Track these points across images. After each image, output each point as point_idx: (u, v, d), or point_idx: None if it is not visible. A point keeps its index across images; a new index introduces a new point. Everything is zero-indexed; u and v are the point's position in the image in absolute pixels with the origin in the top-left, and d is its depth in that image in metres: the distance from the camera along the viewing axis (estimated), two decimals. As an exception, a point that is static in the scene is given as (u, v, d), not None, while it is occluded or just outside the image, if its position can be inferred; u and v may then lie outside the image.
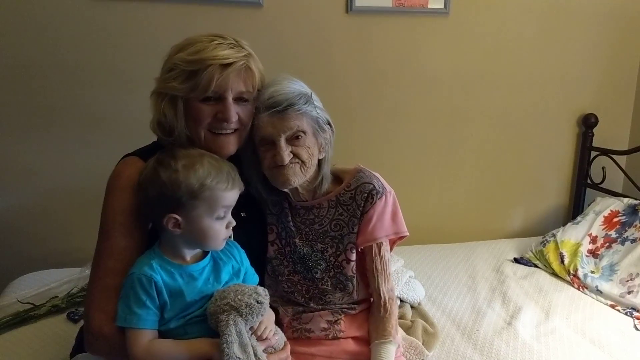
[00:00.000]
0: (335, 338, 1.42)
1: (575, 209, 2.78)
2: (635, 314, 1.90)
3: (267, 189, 1.42)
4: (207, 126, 1.29)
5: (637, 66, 2.76)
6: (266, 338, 1.18)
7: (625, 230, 2.26)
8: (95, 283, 1.22)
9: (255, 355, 1.09)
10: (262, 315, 1.14)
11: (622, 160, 2.68)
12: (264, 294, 1.15)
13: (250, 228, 1.43)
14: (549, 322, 1.86)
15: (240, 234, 1.36)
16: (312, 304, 1.44)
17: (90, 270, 1.27)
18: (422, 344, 1.63)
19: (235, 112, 1.28)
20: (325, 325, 1.42)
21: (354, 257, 1.41)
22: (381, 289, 1.42)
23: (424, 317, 1.82)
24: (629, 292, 1.98)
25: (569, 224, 2.48)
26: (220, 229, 1.19)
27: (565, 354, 1.67)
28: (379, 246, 1.41)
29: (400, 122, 2.54)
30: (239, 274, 1.25)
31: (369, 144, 2.50)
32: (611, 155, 2.64)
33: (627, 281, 2.03)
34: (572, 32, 2.63)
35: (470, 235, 2.68)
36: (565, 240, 2.35)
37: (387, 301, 1.42)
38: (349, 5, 2.34)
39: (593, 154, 2.71)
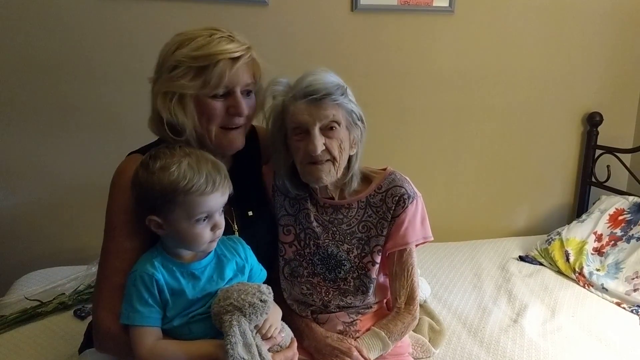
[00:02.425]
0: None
1: (580, 207, 2.78)
2: (641, 311, 1.91)
3: (293, 183, 1.42)
4: (219, 123, 1.28)
5: (642, 64, 2.76)
6: (271, 336, 1.17)
7: (631, 229, 2.25)
8: (103, 282, 1.22)
9: (260, 354, 1.08)
10: (266, 313, 1.13)
11: (627, 158, 2.68)
12: (267, 292, 1.14)
13: (258, 228, 1.41)
14: (554, 319, 1.86)
15: (247, 234, 1.34)
16: (330, 307, 1.43)
17: (96, 267, 1.27)
18: (429, 342, 1.63)
19: (246, 106, 1.28)
20: (342, 328, 1.42)
21: (379, 259, 1.40)
22: (399, 293, 1.42)
23: (430, 315, 1.83)
24: (635, 290, 1.98)
25: (574, 222, 2.48)
26: (202, 232, 1.14)
27: (571, 351, 1.67)
28: (404, 251, 1.41)
29: (405, 120, 2.54)
30: (244, 271, 1.24)
31: (374, 141, 2.46)
32: (616, 153, 2.64)
33: (633, 279, 2.02)
34: (577, 30, 2.62)
35: (475, 233, 2.68)
36: (570, 239, 2.35)
37: (402, 307, 1.42)
38: (354, 4, 2.34)
39: (598, 152, 2.71)
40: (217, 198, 1.14)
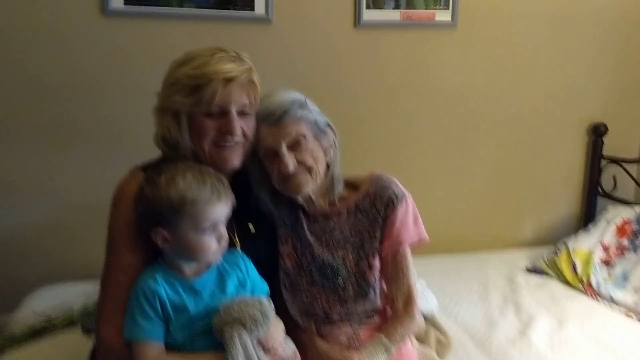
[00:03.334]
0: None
1: (586, 218, 2.76)
2: (650, 322, 1.89)
3: (276, 204, 1.43)
4: (211, 140, 1.29)
5: (646, 74, 2.76)
6: (273, 349, 1.18)
7: (638, 238, 2.24)
8: (105, 297, 1.23)
9: None
10: (267, 326, 1.14)
11: (633, 168, 2.67)
12: (268, 305, 1.15)
13: (260, 244, 1.41)
14: (562, 331, 1.85)
15: (250, 250, 1.35)
16: (332, 315, 1.42)
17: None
18: (435, 354, 1.63)
19: (239, 126, 1.28)
20: (345, 339, 1.42)
21: (376, 263, 1.41)
22: (397, 296, 1.42)
23: (437, 327, 1.81)
24: (643, 300, 1.97)
25: (581, 232, 2.46)
26: (209, 243, 1.17)
27: (579, 362, 1.66)
28: (397, 253, 1.41)
29: (409, 134, 2.56)
30: (245, 285, 1.25)
31: (378, 156, 2.51)
32: (622, 163, 2.63)
33: (641, 289, 2.02)
34: (580, 41, 2.64)
35: (481, 244, 2.67)
36: (577, 249, 2.33)
37: (399, 310, 1.41)
38: (357, 20, 2.37)
39: (603, 162, 2.70)
40: (222, 208, 1.18)
